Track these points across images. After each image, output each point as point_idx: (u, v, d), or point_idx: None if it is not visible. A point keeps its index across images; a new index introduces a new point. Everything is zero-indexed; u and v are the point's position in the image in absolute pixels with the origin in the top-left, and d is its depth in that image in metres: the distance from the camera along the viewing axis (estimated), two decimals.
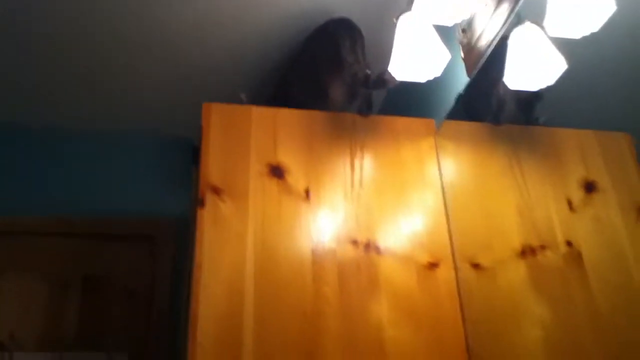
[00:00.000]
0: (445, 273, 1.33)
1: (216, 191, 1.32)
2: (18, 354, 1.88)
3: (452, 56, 1.32)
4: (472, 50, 1.32)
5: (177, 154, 2.26)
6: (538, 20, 1.15)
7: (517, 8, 1.18)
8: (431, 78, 1.32)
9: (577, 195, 1.11)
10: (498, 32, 1.24)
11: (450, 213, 1.41)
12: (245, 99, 1.74)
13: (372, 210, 1.38)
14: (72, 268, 2.03)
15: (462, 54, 1.37)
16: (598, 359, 1.02)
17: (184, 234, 2.00)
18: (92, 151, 2.25)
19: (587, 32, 1.04)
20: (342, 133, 1.48)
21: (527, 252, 1.20)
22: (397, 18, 1.37)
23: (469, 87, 1.42)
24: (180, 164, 2.21)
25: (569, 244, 1.11)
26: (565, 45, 1.11)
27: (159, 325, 1.95)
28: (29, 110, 2.14)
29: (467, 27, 1.35)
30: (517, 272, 1.23)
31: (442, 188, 1.45)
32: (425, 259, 1.34)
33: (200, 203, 1.30)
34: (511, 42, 1.21)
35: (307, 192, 1.37)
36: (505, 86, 1.21)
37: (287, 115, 1.47)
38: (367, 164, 1.44)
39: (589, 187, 1.09)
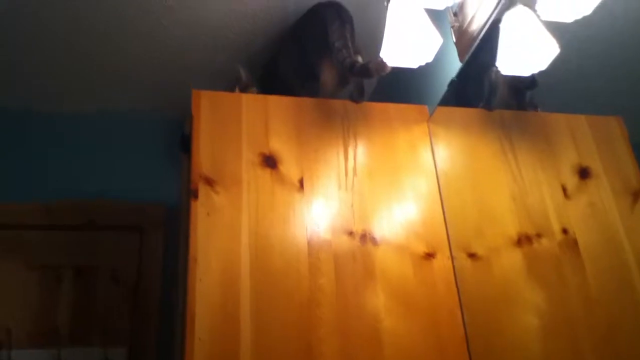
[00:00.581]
0: (441, 262, 1.33)
1: (209, 182, 1.31)
2: (17, 352, 1.87)
3: (444, 41, 1.30)
4: (464, 34, 1.31)
5: (164, 137, 2.22)
6: (530, 3, 1.13)
7: None
8: (423, 63, 1.30)
9: (572, 181, 1.11)
10: (490, 16, 1.22)
11: (444, 201, 1.41)
12: (244, 73, 1.71)
13: (367, 199, 1.37)
14: (61, 259, 2.01)
15: (453, 38, 1.35)
16: (592, 344, 1.03)
17: (173, 221, 1.98)
18: (77, 135, 2.20)
19: (579, 16, 1.03)
20: (334, 120, 1.46)
21: (522, 240, 1.20)
22: (388, 1, 1.34)
23: (461, 72, 1.41)
24: (168, 148, 2.19)
25: (564, 231, 1.11)
26: (556, 29, 1.10)
27: (151, 316, 1.94)
28: (10, 92, 2.09)
29: (458, 11, 1.33)
30: (512, 260, 1.23)
31: (436, 175, 1.45)
32: (421, 249, 1.34)
33: (194, 194, 1.29)
34: (503, 26, 1.20)
35: (300, 181, 1.36)
36: (497, 71, 1.20)
37: (277, 102, 1.46)
38: (360, 151, 1.43)
39: (583, 173, 1.09)
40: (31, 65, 1.95)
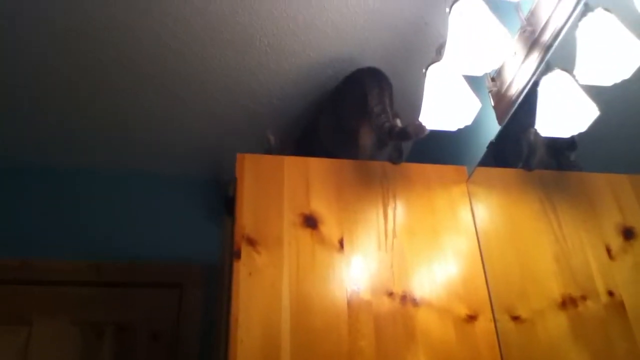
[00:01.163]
0: (483, 325, 1.31)
1: (251, 242, 1.33)
2: None
3: (482, 104, 1.32)
4: (502, 98, 1.33)
5: (204, 198, 2.28)
6: (568, 68, 1.15)
7: (547, 57, 1.19)
8: (462, 127, 1.33)
9: (616, 242, 1.09)
10: (528, 81, 1.24)
11: (485, 262, 1.40)
12: (273, 139, 1.76)
13: (407, 260, 1.37)
14: (103, 315, 2.04)
15: (492, 102, 1.37)
16: None
17: (211, 281, 2.00)
18: (121, 195, 2.27)
19: (618, 80, 1.04)
20: (373, 181, 1.49)
21: (567, 302, 1.18)
22: (426, 68, 1.38)
23: (500, 134, 1.42)
24: (209, 209, 2.24)
25: (610, 293, 1.09)
26: (595, 88, 1.10)
27: None
28: (63, 153, 2.19)
29: (496, 76, 1.36)
30: (557, 323, 1.21)
31: (477, 235, 1.44)
32: (463, 311, 1.32)
33: (236, 255, 1.31)
34: (541, 90, 1.21)
35: (340, 242, 1.37)
36: (536, 132, 1.21)
37: (318, 164, 1.49)
38: (399, 212, 1.44)
39: (628, 233, 1.08)
40: (88, 127, 2.04)
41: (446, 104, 1.30)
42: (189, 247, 2.15)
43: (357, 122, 1.58)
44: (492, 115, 1.38)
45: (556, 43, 1.17)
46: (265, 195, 1.41)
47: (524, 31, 1.25)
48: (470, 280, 1.38)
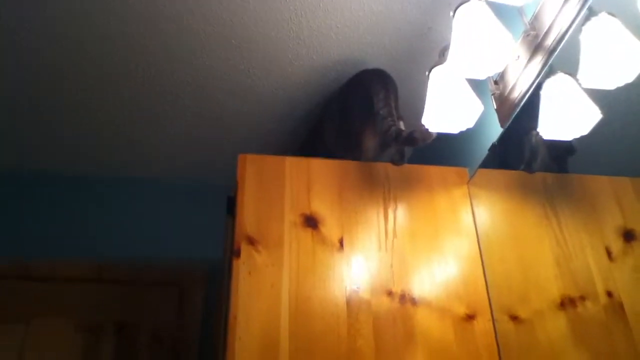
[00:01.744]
0: (482, 325, 1.32)
1: (251, 242, 1.33)
2: None
3: (485, 106, 1.33)
4: (505, 101, 1.34)
5: (208, 200, 2.28)
6: (571, 71, 1.15)
7: (550, 61, 1.19)
8: (464, 129, 1.33)
9: (616, 244, 1.10)
10: (531, 84, 1.25)
11: (485, 262, 1.40)
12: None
13: (407, 260, 1.38)
14: (104, 314, 2.05)
15: (494, 105, 1.38)
16: None
17: (214, 281, 2.01)
18: (123, 194, 2.28)
19: (621, 83, 1.04)
20: (375, 182, 1.49)
21: (566, 303, 1.18)
22: (429, 71, 1.39)
23: (502, 136, 1.43)
24: (211, 210, 2.24)
25: (609, 294, 1.09)
26: (598, 91, 1.11)
27: None
28: (64, 155, 2.19)
29: (499, 79, 1.36)
30: (556, 324, 1.21)
31: (477, 237, 1.45)
32: (462, 310, 1.32)
33: (236, 253, 1.31)
34: (544, 93, 1.22)
35: (341, 242, 1.37)
36: (537, 134, 1.21)
37: (320, 165, 1.49)
38: (400, 213, 1.45)
39: (628, 236, 1.08)
40: (83, 130, 2.05)
41: (449, 106, 1.31)
42: (190, 247, 2.15)
43: (361, 124, 1.58)
44: (494, 117, 1.38)
45: (560, 47, 1.17)
46: (267, 195, 1.41)
47: (528, 35, 1.25)
48: (469, 281, 1.38)
